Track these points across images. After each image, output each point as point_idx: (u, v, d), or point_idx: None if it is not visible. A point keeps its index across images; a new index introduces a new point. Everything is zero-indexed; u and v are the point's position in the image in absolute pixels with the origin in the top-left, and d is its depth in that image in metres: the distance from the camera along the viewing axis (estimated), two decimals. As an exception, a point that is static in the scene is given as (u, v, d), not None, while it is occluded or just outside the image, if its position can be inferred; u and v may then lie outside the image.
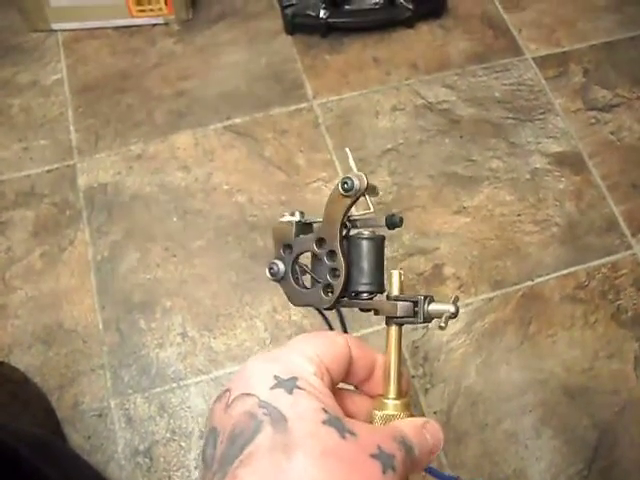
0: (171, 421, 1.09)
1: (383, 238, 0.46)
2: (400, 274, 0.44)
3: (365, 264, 0.45)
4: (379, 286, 0.45)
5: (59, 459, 0.95)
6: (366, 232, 0.45)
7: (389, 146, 1.34)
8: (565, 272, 1.23)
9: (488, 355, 1.16)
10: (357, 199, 0.44)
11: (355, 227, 0.46)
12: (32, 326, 1.16)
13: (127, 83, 1.42)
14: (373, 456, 0.34)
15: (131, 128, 1.36)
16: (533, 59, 1.47)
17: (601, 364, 1.16)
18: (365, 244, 0.45)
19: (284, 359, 0.38)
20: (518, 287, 1.21)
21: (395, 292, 0.44)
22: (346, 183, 0.43)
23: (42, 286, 1.19)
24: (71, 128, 1.36)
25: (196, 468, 1.06)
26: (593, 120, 1.40)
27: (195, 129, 1.36)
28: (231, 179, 1.30)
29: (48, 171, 1.31)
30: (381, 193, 1.28)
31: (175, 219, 1.26)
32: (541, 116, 1.40)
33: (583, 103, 1.42)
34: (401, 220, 0.46)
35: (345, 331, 0.52)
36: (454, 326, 1.17)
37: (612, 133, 1.38)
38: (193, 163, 1.32)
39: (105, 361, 1.14)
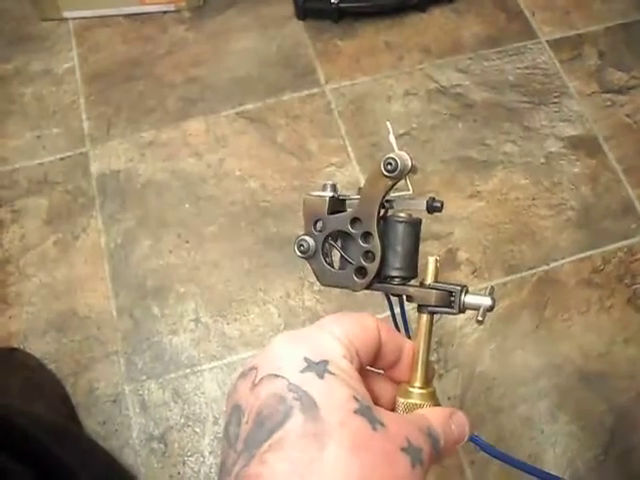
0: (185, 407, 1.10)
1: (420, 222, 0.44)
2: (436, 261, 0.43)
3: (400, 248, 0.43)
4: (413, 272, 0.44)
5: (75, 445, 0.96)
6: (403, 214, 0.43)
7: (402, 131, 1.33)
8: (581, 256, 1.22)
9: (502, 340, 1.15)
10: (399, 181, 0.42)
11: (391, 208, 0.44)
12: (46, 313, 1.16)
13: (139, 71, 1.41)
14: (403, 450, 0.34)
15: (143, 115, 1.36)
16: (547, 42, 1.45)
17: (617, 349, 1.15)
18: (402, 227, 0.43)
19: (313, 340, 0.37)
20: (533, 271, 1.20)
21: (429, 279, 0.42)
22: (390, 164, 0.41)
23: (56, 273, 1.20)
24: (83, 116, 1.36)
25: (211, 453, 1.06)
26: (608, 103, 1.38)
27: (207, 116, 1.35)
28: (243, 165, 1.30)
29: (61, 159, 1.31)
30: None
31: (187, 205, 1.26)
32: (555, 99, 1.38)
33: (598, 86, 1.40)
34: (442, 205, 0.44)
35: (404, 318, 0.50)
36: (468, 311, 1.16)
37: (628, 116, 1.37)
38: (205, 150, 1.32)
39: (119, 347, 1.14)
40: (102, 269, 1.20)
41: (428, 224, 1.21)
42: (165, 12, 1.48)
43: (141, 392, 1.11)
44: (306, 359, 0.36)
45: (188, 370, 1.12)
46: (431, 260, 0.43)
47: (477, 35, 1.46)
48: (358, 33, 1.46)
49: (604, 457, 1.07)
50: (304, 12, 1.45)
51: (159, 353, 1.14)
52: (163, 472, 1.05)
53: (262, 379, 0.36)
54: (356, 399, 0.34)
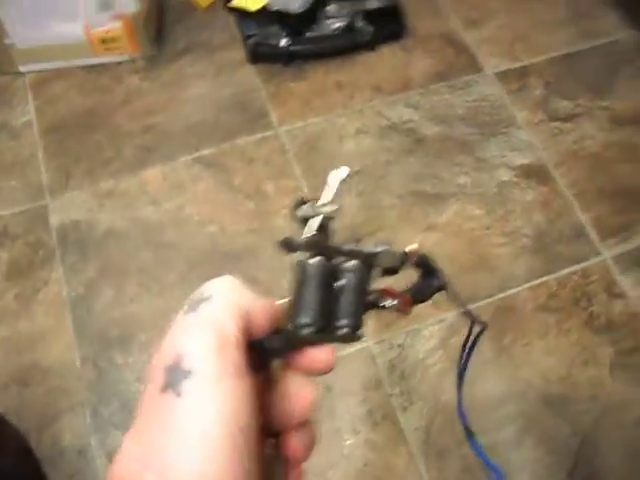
0: (152, 455, 1.09)
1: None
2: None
3: None
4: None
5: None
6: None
7: (356, 168, 1.35)
8: (537, 282, 1.25)
9: (464, 369, 1.16)
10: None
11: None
12: (9, 367, 1.16)
13: (95, 121, 1.43)
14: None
15: (101, 165, 1.37)
16: (494, 74, 1.50)
17: (577, 371, 1.17)
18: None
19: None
20: (490, 300, 1.22)
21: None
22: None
23: (18, 327, 1.20)
24: (42, 168, 1.37)
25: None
26: (556, 131, 1.42)
27: (164, 163, 1.37)
28: (202, 210, 1.31)
29: (20, 212, 1.32)
30: (350, 215, 1.29)
31: (148, 253, 1.27)
32: (504, 130, 1.42)
33: (545, 115, 1.44)
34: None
35: None
36: (429, 343, 1.18)
37: (575, 142, 1.41)
38: (163, 197, 1.33)
39: (84, 398, 1.14)
40: (64, 320, 1.20)
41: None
42: (120, 62, 1.50)
43: (108, 442, 1.10)
44: None
45: (154, 418, 1.12)
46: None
47: (426, 71, 1.50)
48: (309, 74, 1.49)
49: (569, 480, 1.08)
50: (255, 56, 1.48)
51: (125, 402, 1.14)
52: (132, 523, 1.04)
53: None
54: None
